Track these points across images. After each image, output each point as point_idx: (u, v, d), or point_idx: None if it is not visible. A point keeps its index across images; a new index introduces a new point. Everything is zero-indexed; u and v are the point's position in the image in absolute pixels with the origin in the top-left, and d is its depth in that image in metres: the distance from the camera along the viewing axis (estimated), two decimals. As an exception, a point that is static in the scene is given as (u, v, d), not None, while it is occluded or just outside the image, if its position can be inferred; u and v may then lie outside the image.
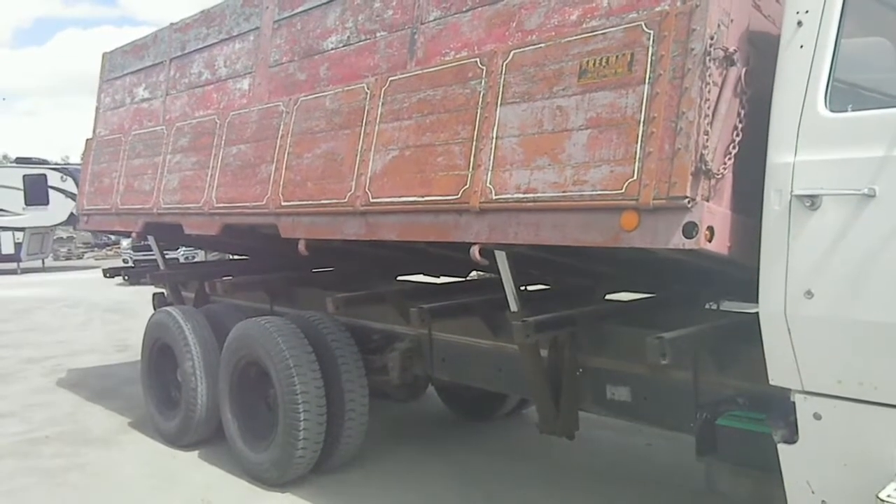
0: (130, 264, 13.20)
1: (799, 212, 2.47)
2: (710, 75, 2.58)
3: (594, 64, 2.94)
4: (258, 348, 4.64)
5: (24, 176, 21.71)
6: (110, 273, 7.04)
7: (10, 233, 21.55)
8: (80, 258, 27.89)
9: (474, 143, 3.33)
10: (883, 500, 2.17)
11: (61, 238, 27.97)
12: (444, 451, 5.06)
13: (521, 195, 3.09)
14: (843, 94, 2.51)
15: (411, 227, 3.64)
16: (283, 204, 4.39)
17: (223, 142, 5.05)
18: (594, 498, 4.22)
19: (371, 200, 3.80)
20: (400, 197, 3.65)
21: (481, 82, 3.37)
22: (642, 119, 2.74)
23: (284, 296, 5.71)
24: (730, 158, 2.64)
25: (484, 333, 4.18)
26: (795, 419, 2.56)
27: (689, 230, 2.57)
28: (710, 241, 2.58)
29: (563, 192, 2.94)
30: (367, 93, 3.99)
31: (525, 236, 3.11)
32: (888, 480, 2.28)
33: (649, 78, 2.74)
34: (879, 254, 2.31)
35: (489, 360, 4.21)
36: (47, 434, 5.65)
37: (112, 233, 6.58)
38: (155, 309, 6.34)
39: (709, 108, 2.56)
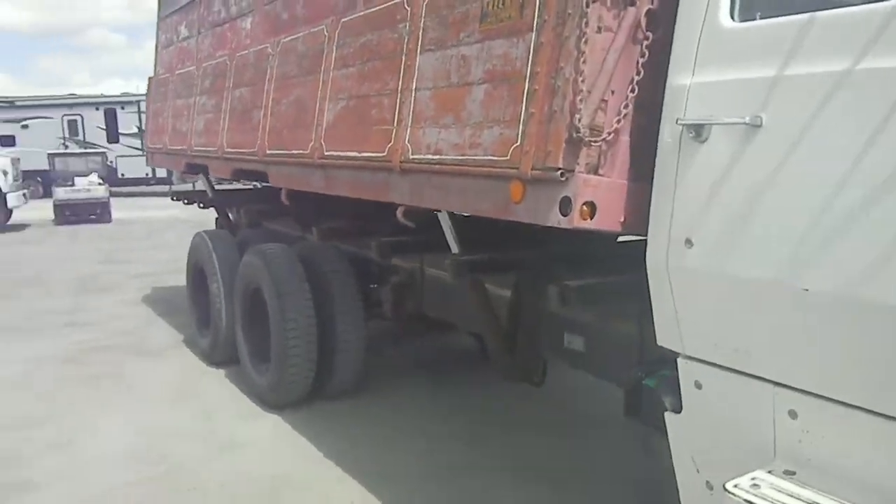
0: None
1: (687, 145, 2.08)
2: (592, 22, 2.17)
3: (494, 6, 2.58)
4: (258, 275, 4.71)
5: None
6: (176, 197, 7.27)
7: (163, 156, 23.11)
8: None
9: (399, 95, 3.08)
10: (727, 490, 1.88)
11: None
12: (452, 388, 5.02)
13: (431, 156, 2.85)
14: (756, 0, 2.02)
15: (356, 183, 3.48)
16: (268, 152, 4.36)
17: (231, 84, 5.06)
18: (586, 447, 4.04)
19: (325, 153, 3.67)
20: (345, 151, 3.49)
21: (406, 26, 3.08)
22: (528, 74, 2.38)
23: (312, 224, 5.67)
24: (620, 120, 2.23)
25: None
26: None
27: (565, 206, 2.25)
28: (590, 217, 2.24)
29: (462, 155, 2.66)
30: (325, 36, 3.78)
31: (436, 201, 2.89)
32: (766, 466, 1.98)
33: (537, 24, 2.36)
34: (757, 200, 1.91)
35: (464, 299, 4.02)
36: (109, 343, 6.25)
37: (169, 169, 6.85)
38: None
39: (583, 61, 2.16)
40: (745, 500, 1.83)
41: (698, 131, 2.05)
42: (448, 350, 5.85)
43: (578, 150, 2.22)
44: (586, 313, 3.18)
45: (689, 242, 2.09)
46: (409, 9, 3.07)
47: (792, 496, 1.83)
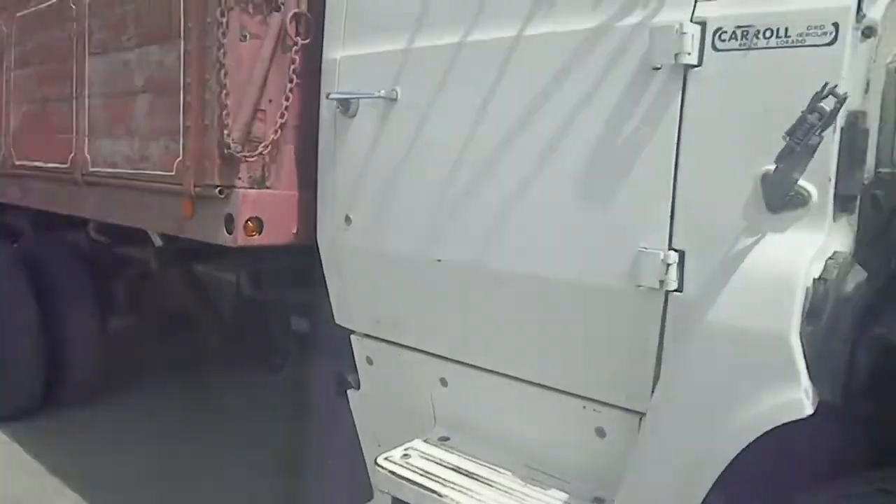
0: None
1: (340, 121, 2.09)
2: (233, 30, 2.08)
3: (145, 7, 2.40)
4: None
5: None
6: None
7: None
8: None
9: (75, 102, 2.83)
10: (377, 465, 1.93)
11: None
12: (198, 383, 4.69)
13: (109, 169, 2.66)
14: None
15: (49, 195, 3.19)
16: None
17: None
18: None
19: (16, 163, 3.32)
20: (33, 161, 3.18)
21: (74, 25, 2.81)
22: (182, 85, 2.25)
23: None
24: (277, 130, 2.17)
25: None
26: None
27: (229, 224, 2.17)
28: (257, 233, 2.19)
29: (135, 168, 2.51)
30: (4, 32, 3.38)
31: (119, 216, 2.71)
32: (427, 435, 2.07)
33: (184, 31, 2.23)
34: (396, 175, 1.96)
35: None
36: None
37: None
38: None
39: (224, 73, 2.07)
40: (391, 472, 1.87)
41: (346, 106, 2.05)
42: (198, 344, 5.56)
43: (236, 165, 2.15)
44: (308, 295, 3.12)
45: (348, 220, 2.09)
46: (74, 7, 2.80)
47: (438, 463, 1.89)
